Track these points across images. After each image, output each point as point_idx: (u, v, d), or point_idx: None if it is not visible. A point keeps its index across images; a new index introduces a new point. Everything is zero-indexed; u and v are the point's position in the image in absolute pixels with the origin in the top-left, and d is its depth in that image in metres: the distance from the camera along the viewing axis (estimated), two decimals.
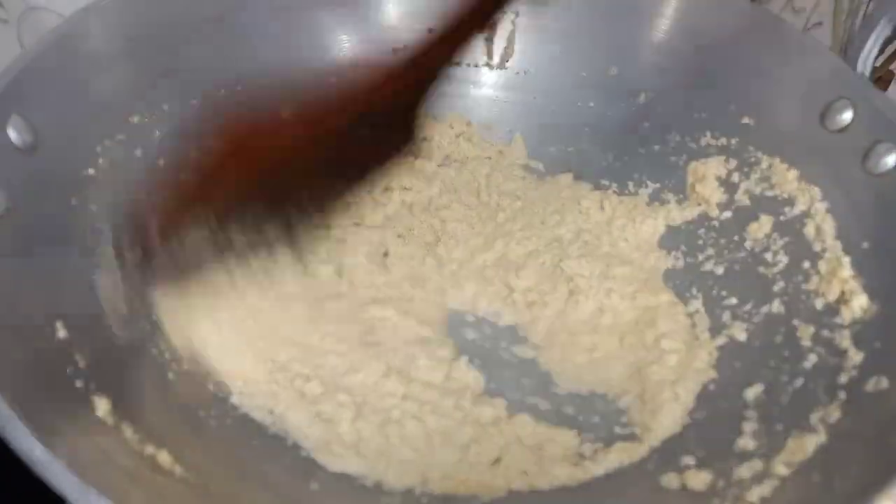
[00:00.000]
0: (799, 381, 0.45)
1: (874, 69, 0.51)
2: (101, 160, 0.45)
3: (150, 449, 0.36)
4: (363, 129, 0.47)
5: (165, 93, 0.51)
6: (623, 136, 0.61)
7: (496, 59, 0.62)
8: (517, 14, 0.61)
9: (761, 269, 0.52)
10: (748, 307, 0.51)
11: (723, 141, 0.56)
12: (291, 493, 0.41)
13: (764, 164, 0.54)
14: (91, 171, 0.44)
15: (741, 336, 0.50)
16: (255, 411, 0.45)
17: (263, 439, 0.44)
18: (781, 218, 0.52)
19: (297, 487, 0.41)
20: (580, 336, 0.53)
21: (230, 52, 0.54)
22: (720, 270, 0.54)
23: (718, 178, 0.57)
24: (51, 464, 0.28)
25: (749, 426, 0.44)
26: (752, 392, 0.46)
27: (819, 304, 0.47)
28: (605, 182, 0.61)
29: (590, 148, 0.62)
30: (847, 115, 0.50)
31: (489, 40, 0.62)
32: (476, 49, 0.62)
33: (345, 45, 0.60)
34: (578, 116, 0.62)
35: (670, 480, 0.43)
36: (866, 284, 0.46)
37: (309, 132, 0.46)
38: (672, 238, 0.58)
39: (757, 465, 0.41)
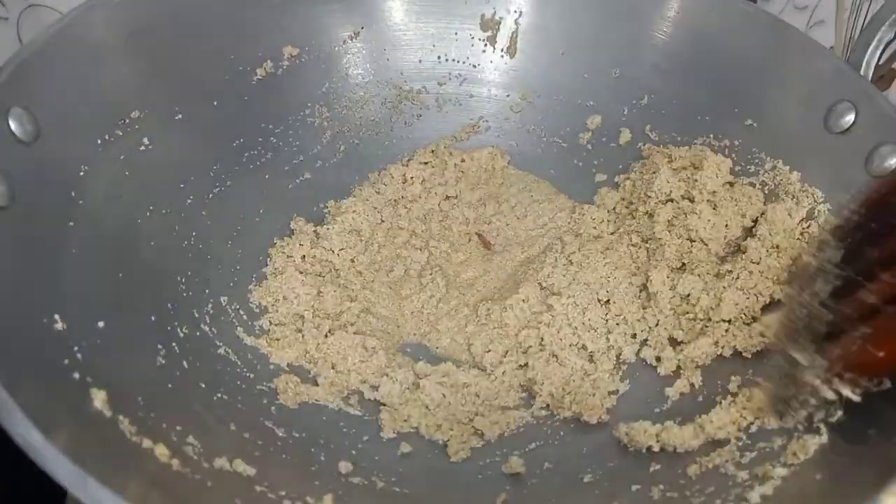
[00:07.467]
0: None
1: (876, 67, 0.51)
2: (101, 154, 0.45)
3: (147, 442, 0.36)
4: None
5: (165, 89, 0.50)
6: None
7: (498, 59, 0.62)
8: (520, 14, 0.61)
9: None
10: None
11: (726, 143, 0.56)
12: (290, 491, 0.41)
13: (767, 166, 0.54)
14: (91, 165, 0.44)
15: None
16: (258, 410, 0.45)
17: (262, 435, 0.43)
18: None
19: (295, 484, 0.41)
20: None
21: (232, 48, 0.54)
22: None
23: None
24: (48, 451, 0.28)
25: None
26: None
27: None
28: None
29: (592, 149, 0.62)
30: (850, 118, 0.50)
31: (492, 40, 0.62)
32: (479, 49, 0.62)
33: None
34: (580, 117, 0.62)
35: None
36: None
37: None
38: None
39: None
